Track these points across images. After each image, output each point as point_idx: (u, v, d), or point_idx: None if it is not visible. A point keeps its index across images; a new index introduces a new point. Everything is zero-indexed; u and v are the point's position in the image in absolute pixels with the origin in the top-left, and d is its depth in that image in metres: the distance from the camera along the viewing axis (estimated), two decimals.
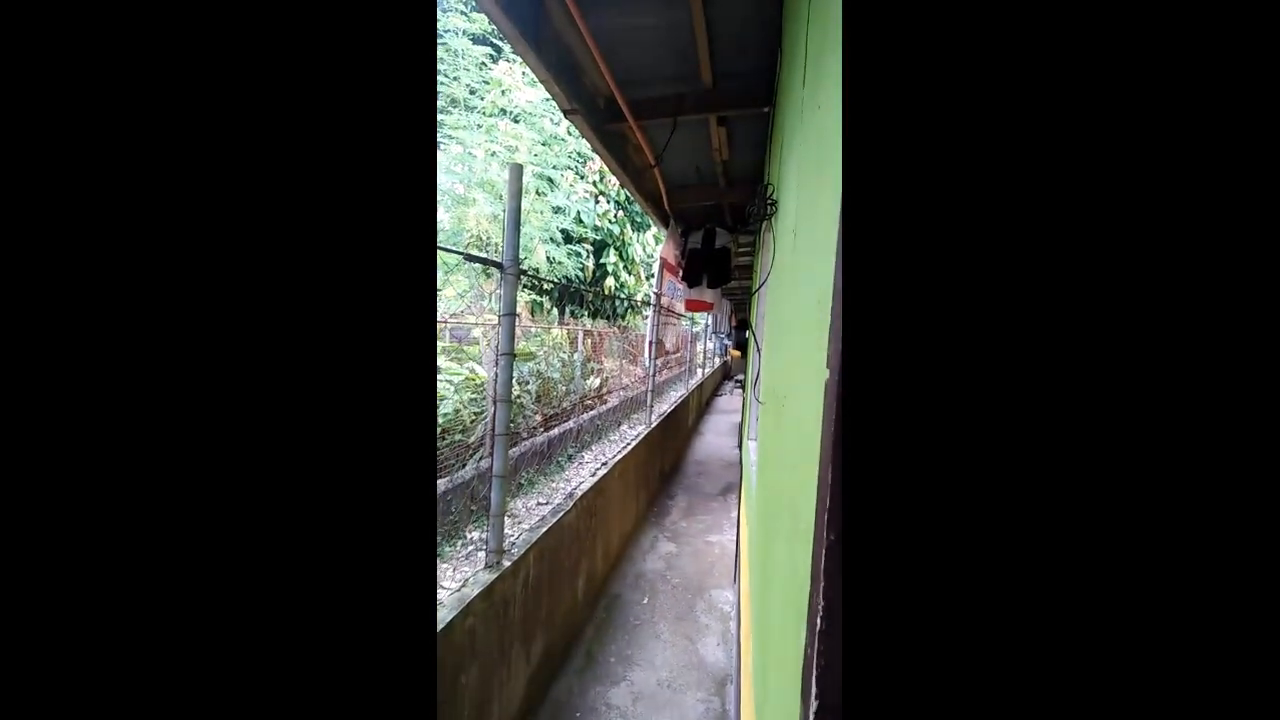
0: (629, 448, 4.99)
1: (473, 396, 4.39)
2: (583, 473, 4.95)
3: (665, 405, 7.80)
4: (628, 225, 10.49)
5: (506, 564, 2.38)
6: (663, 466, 6.64)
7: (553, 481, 4.89)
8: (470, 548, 3.49)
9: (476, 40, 6.73)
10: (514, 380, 2.70)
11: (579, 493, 3.57)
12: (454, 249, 2.27)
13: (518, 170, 2.49)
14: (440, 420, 3.95)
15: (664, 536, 5.14)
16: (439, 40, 6.80)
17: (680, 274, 5.47)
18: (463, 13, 6.80)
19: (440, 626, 1.84)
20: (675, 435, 7.75)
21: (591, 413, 6.45)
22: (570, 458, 5.53)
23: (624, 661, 3.19)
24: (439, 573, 3.17)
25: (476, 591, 2.10)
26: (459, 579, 3.08)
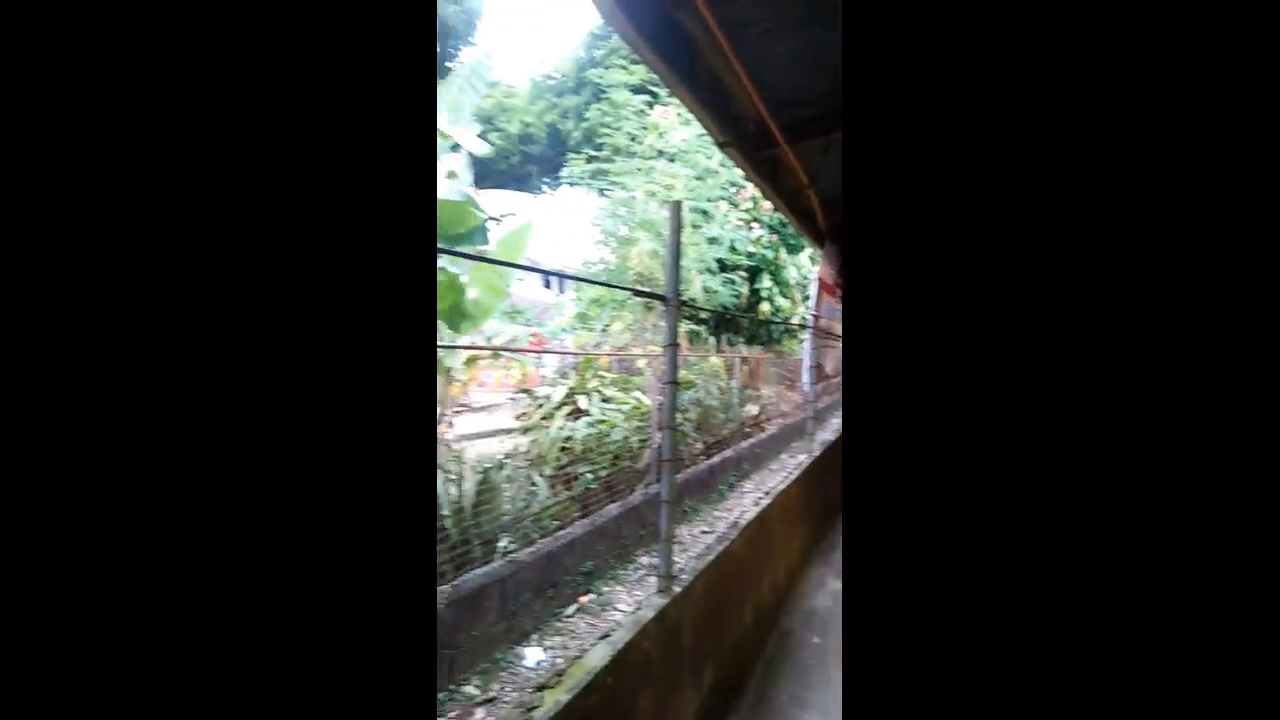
0: (791, 477, 4.82)
1: (639, 424, 4.58)
2: (744, 502, 4.87)
3: (827, 433, 7.40)
4: (781, 249, 10.31)
5: (677, 589, 2.43)
6: (828, 498, 6.29)
7: (715, 510, 4.88)
8: (641, 571, 3.60)
9: (635, 90, 7.22)
10: (675, 408, 2.78)
11: (742, 522, 3.52)
12: (623, 285, 2.43)
13: (677, 206, 2.61)
14: (612, 447, 4.17)
15: (832, 573, 4.84)
16: (603, 96, 7.40)
17: (839, 294, 5.23)
18: (622, 66, 7.35)
19: (619, 647, 1.92)
20: (840, 465, 7.30)
21: (750, 440, 6.35)
22: (731, 486, 5.48)
23: (798, 703, 3.04)
24: (614, 595, 3.31)
25: (650, 615, 2.17)
26: (633, 602, 3.19)
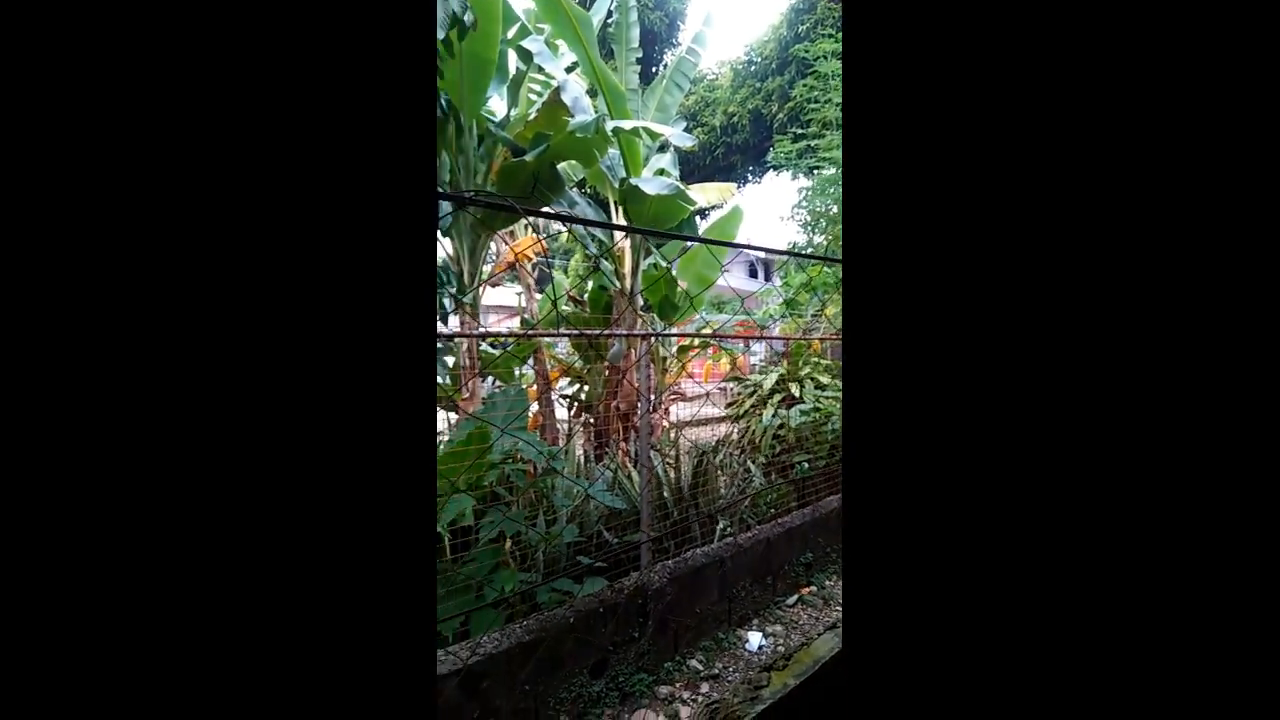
0: None
1: None
2: None
3: None
4: None
5: None
6: None
7: None
8: None
9: None
10: None
11: None
12: (838, 258, 2.28)
13: None
14: (829, 436, 3.99)
15: None
16: (809, 70, 7.05)
17: None
18: (829, 35, 6.93)
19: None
20: None
21: None
22: None
23: None
24: (838, 590, 3.16)
25: None
26: None
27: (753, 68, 14.01)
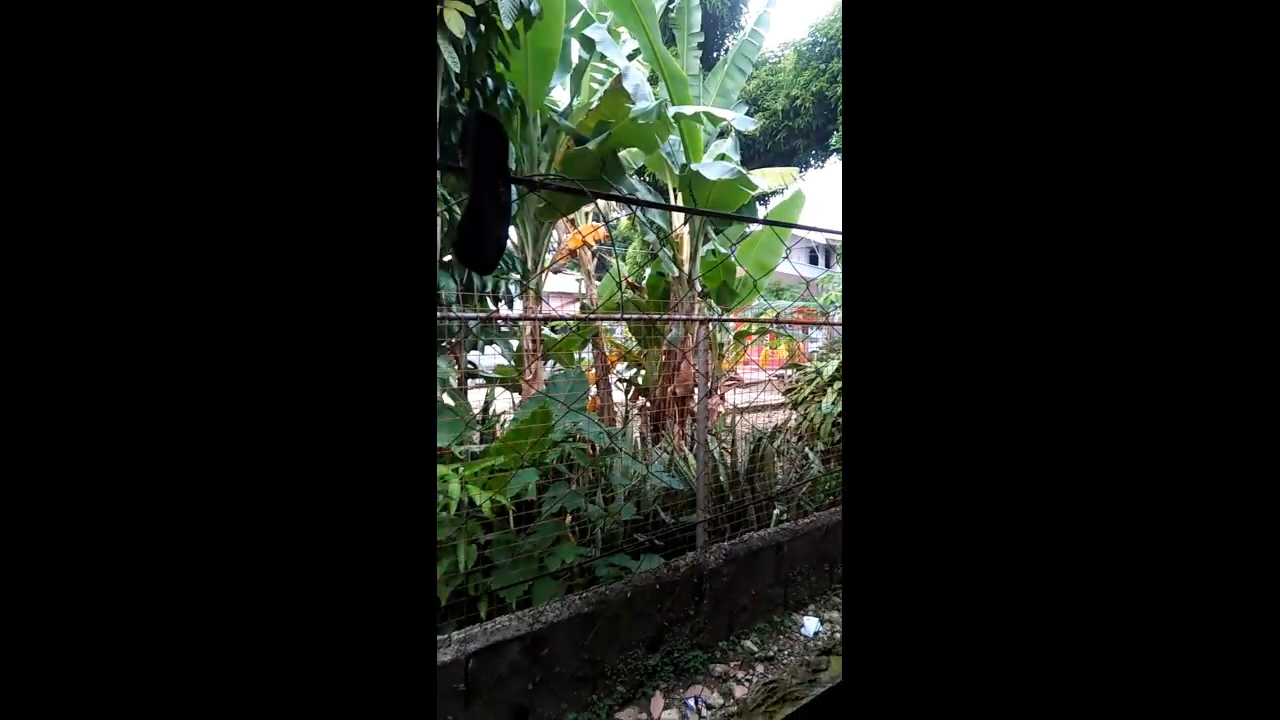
0: None
1: None
2: None
3: None
4: None
5: None
6: None
7: None
8: None
9: None
10: None
11: None
12: None
13: None
14: None
15: None
16: None
17: None
18: None
19: None
20: None
21: None
22: None
23: None
24: None
25: None
26: None
27: (817, 48, 13.55)
